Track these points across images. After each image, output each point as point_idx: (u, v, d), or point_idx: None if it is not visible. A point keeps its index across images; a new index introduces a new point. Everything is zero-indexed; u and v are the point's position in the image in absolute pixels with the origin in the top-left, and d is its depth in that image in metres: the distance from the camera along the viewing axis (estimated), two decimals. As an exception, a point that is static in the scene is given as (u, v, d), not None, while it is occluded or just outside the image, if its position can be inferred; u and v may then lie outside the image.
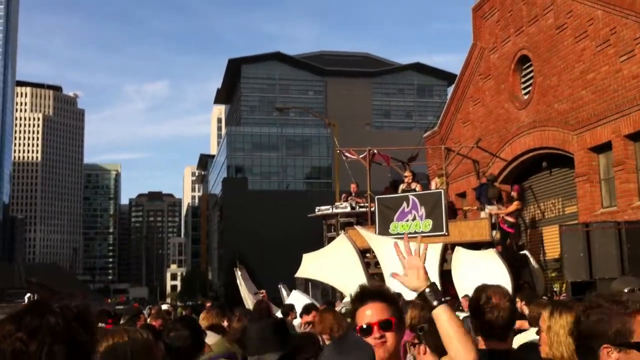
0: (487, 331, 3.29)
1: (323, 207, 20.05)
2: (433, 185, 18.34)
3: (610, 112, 15.63)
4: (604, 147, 16.20)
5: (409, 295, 10.01)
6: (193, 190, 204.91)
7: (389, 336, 2.72)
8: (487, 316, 3.28)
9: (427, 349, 4.53)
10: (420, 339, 4.57)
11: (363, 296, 2.81)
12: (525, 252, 17.28)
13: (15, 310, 1.84)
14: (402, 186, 18.33)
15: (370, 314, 2.75)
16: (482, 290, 3.40)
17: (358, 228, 17.07)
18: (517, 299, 9.43)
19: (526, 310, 9.01)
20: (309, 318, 9.93)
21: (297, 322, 10.18)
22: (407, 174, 18.50)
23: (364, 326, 2.74)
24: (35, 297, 28.05)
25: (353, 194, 19.83)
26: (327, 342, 5.49)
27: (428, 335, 4.59)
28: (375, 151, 19.18)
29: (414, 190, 17.80)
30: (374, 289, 2.83)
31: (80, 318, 1.81)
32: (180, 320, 4.21)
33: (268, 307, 10.25)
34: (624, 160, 15.39)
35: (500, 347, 3.21)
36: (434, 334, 4.58)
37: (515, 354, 3.21)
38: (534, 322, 5.89)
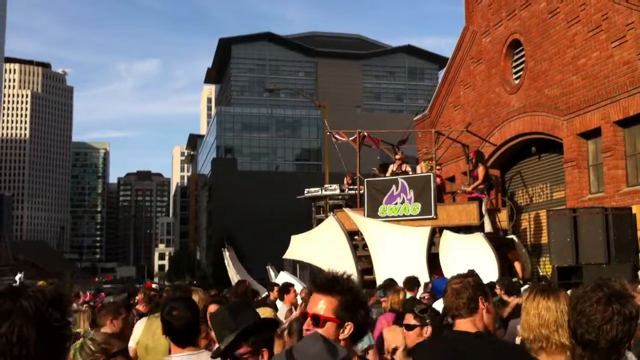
0: (451, 311, 3.39)
1: (312, 189, 20.05)
2: (418, 169, 18.32)
3: (601, 98, 15.64)
4: (593, 133, 16.23)
5: (401, 278, 10.03)
6: (182, 170, 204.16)
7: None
8: (447, 296, 3.38)
9: (431, 332, 4.66)
10: (424, 321, 4.67)
11: (313, 284, 2.76)
12: (513, 236, 17.36)
13: None
14: (392, 167, 18.32)
15: (312, 302, 2.70)
16: (451, 277, 3.49)
17: (347, 210, 17.08)
18: (497, 286, 9.43)
19: (506, 299, 9.04)
20: (291, 297, 9.93)
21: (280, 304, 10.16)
22: (398, 155, 18.48)
23: (304, 312, 2.71)
24: (22, 275, 27.99)
25: (346, 186, 19.73)
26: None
27: (434, 319, 4.72)
28: (365, 134, 19.13)
29: (405, 171, 17.80)
30: (324, 279, 2.71)
31: (55, 302, 1.80)
32: (181, 300, 4.20)
33: (247, 288, 10.23)
34: (613, 146, 15.43)
35: (464, 328, 3.23)
36: (438, 319, 4.72)
37: (472, 336, 3.21)
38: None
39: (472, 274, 3.44)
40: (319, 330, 2.57)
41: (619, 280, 2.59)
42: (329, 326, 2.60)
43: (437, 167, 18.27)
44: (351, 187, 19.68)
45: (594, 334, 2.41)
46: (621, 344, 2.43)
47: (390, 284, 9.39)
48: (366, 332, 2.80)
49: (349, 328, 2.61)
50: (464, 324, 3.23)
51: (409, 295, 9.11)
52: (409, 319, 4.82)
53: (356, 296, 2.67)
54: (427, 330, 4.70)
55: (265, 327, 3.25)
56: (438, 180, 17.82)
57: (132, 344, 5.91)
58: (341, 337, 2.62)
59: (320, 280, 2.70)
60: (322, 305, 2.63)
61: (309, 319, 2.64)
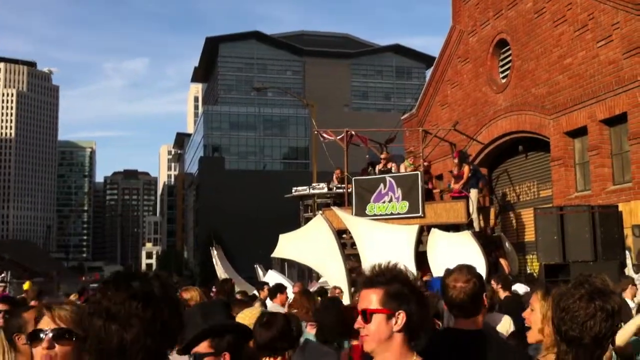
0: (450, 309, 3.35)
1: (300, 188, 20.03)
2: (402, 169, 18.34)
3: (587, 97, 15.75)
4: (580, 132, 16.35)
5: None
6: (169, 169, 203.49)
7: (368, 329, 2.47)
8: (448, 294, 3.32)
9: None
10: None
11: (361, 281, 2.60)
12: (500, 234, 17.45)
13: (107, 278, 1.97)
14: (378, 166, 18.35)
15: (360, 300, 2.54)
16: (451, 271, 3.41)
17: (335, 209, 17.06)
18: (493, 282, 9.56)
19: (502, 293, 9.15)
20: (283, 298, 9.95)
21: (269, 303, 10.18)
22: (383, 155, 18.51)
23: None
24: (8, 275, 27.78)
25: (335, 181, 19.74)
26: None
27: None
28: (353, 132, 19.15)
29: (390, 170, 17.83)
30: (372, 272, 2.54)
31: (172, 287, 1.95)
32: None
33: (232, 286, 10.23)
34: (599, 145, 15.55)
35: (466, 326, 3.21)
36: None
37: (478, 334, 3.19)
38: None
39: (472, 269, 3.36)
40: (369, 326, 2.44)
41: (600, 276, 2.63)
42: (379, 319, 2.44)
43: (426, 164, 18.30)
44: (341, 184, 19.68)
45: (578, 330, 2.45)
46: (605, 339, 2.47)
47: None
48: (427, 326, 2.60)
49: (401, 317, 2.44)
50: (466, 323, 3.22)
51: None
52: None
53: (405, 283, 2.50)
54: None
55: (233, 331, 3.14)
56: (426, 178, 17.87)
57: None
58: (395, 329, 2.44)
59: (365, 276, 2.55)
60: (368, 299, 2.48)
61: (359, 316, 2.49)
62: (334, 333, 5.07)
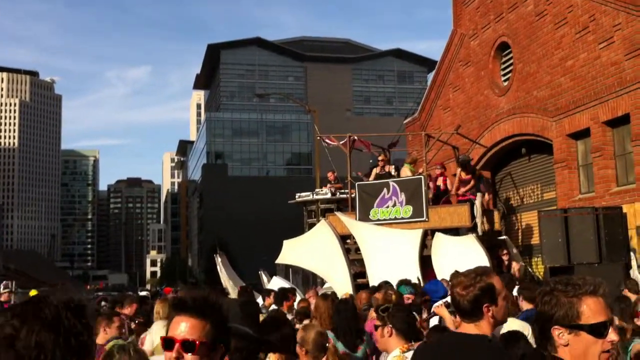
0: (457, 312, 3.33)
1: (303, 194, 20.01)
2: (402, 173, 18.29)
3: (589, 99, 15.74)
4: (583, 134, 16.33)
5: (394, 281, 10.05)
6: (172, 176, 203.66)
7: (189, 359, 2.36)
8: (452, 298, 3.30)
9: (393, 331, 4.48)
10: (385, 320, 4.51)
11: (180, 305, 2.47)
12: (505, 237, 17.40)
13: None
14: (376, 170, 18.32)
15: (178, 327, 2.40)
16: (457, 275, 3.37)
17: (338, 214, 17.07)
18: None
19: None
20: (289, 304, 9.93)
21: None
22: (381, 157, 18.44)
23: (167, 339, 2.40)
24: (13, 285, 27.85)
25: (332, 182, 19.83)
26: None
27: (393, 318, 4.53)
28: (356, 137, 19.13)
29: (389, 173, 17.80)
30: (196, 299, 2.45)
31: (76, 310, 1.91)
32: None
33: (251, 294, 10.25)
34: (602, 146, 15.52)
35: (469, 330, 3.20)
36: (400, 317, 4.56)
37: (483, 339, 3.16)
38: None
39: (480, 273, 3.28)
40: (190, 357, 2.35)
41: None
42: (204, 351, 2.37)
43: (439, 167, 18.23)
44: (336, 181, 19.71)
45: None
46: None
47: (383, 284, 9.43)
48: (228, 350, 2.54)
49: (220, 350, 2.43)
50: (467, 328, 3.20)
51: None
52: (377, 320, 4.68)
53: (225, 315, 2.50)
54: (388, 330, 4.53)
55: (243, 339, 3.11)
56: (442, 180, 17.82)
57: (150, 348, 6.04)
58: None
59: (187, 302, 2.45)
60: (193, 329, 2.38)
61: (177, 344, 2.36)
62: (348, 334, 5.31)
